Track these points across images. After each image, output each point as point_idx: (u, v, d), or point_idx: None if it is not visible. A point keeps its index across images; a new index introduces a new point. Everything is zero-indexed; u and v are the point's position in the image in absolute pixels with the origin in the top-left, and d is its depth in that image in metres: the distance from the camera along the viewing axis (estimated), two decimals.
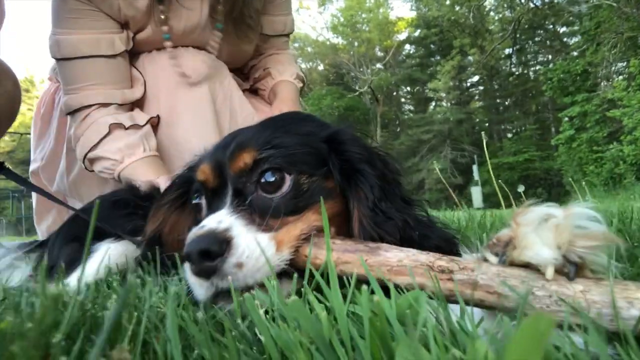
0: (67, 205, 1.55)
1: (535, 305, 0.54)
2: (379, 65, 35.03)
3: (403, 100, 36.70)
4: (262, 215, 0.77)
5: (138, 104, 1.87)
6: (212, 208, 0.83)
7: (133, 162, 1.69)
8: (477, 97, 33.32)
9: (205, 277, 0.70)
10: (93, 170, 1.77)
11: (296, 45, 36.16)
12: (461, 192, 20.43)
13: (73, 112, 1.79)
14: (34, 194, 2.12)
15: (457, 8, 28.14)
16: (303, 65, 37.14)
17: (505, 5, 27.97)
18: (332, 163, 0.84)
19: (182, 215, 1.02)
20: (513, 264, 0.58)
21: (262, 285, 0.70)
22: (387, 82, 33.47)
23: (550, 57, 27.96)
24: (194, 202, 0.92)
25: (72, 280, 1.07)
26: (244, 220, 0.75)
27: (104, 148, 1.72)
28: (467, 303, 0.57)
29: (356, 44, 34.40)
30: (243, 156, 0.82)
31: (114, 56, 1.79)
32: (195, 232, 0.72)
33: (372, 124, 32.04)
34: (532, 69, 30.36)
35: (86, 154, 1.74)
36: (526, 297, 0.53)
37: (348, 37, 34.67)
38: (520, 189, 4.18)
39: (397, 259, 0.66)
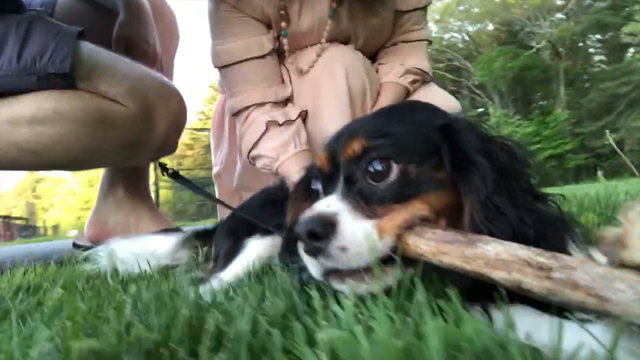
0: (224, 204, 1.80)
1: None
2: (559, 15, 31.18)
3: (592, 50, 32.06)
4: (368, 203, 0.79)
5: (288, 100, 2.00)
6: (326, 193, 0.88)
7: (287, 159, 1.82)
8: None
9: (313, 256, 0.76)
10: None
11: (461, 8, 34.21)
12: None
13: (237, 114, 1.96)
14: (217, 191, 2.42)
15: None
16: (470, 28, 34.99)
17: None
18: (443, 153, 0.82)
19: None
20: (625, 266, 0.52)
21: (368, 269, 0.74)
22: (570, 32, 29.59)
23: None
24: (313, 187, 0.99)
25: (228, 273, 1.22)
26: (350, 206, 0.79)
27: (263, 146, 1.87)
28: (564, 306, 0.55)
29: None
30: (353, 144, 0.84)
31: (263, 56, 1.91)
32: (306, 214, 0.78)
33: (554, 82, 28.81)
34: None
35: (249, 152, 1.91)
36: (631, 304, 0.48)
37: None
38: None
39: (495, 252, 0.63)
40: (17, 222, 34.20)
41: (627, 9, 27.59)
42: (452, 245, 0.68)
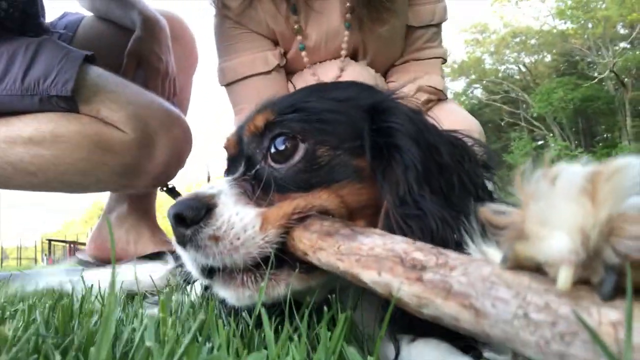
0: None
1: (526, 338, 0.31)
2: (622, 45, 29.92)
3: None
4: (266, 189, 0.66)
5: None
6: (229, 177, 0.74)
7: None
8: None
9: (182, 246, 0.63)
10: None
11: (517, 40, 33.58)
12: None
13: None
14: None
15: None
16: (526, 60, 34.22)
17: None
18: (365, 135, 0.67)
19: None
20: (522, 265, 0.35)
21: (256, 267, 0.60)
22: (636, 61, 28.25)
23: None
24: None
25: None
26: (238, 190, 0.65)
27: None
28: (434, 321, 0.41)
29: (590, 25, 30.07)
30: (256, 119, 0.71)
31: (269, 72, 1.88)
32: (183, 196, 0.66)
33: (619, 113, 27.36)
34: None
35: None
36: (511, 322, 0.32)
37: (579, 20, 30.54)
38: None
39: (369, 247, 0.49)
40: (82, 247, 35.97)
41: None
42: (332, 238, 0.54)
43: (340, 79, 1.84)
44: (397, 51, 2.04)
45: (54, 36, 1.99)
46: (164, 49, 2.14)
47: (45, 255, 27.41)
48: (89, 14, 2.28)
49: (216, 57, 1.97)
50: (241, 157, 0.73)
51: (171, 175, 1.93)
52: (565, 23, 31.76)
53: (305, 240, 0.57)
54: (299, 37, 1.88)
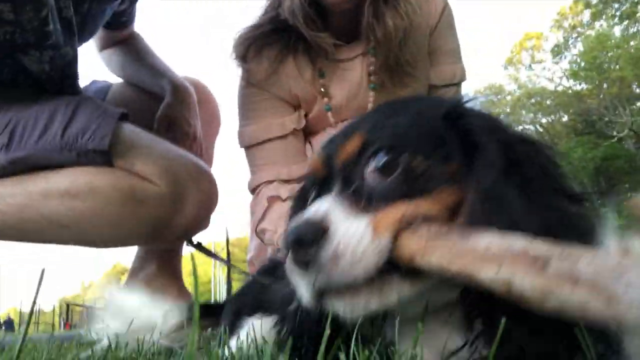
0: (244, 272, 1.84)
1: None
2: (639, 104, 30.02)
3: None
4: (368, 203, 0.67)
5: None
6: (319, 200, 0.74)
7: (284, 231, 1.73)
8: None
9: (304, 270, 0.64)
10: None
11: (532, 101, 34.00)
12: None
13: (252, 191, 1.99)
14: None
15: None
16: (543, 120, 34.43)
17: None
18: (450, 140, 0.70)
19: None
20: None
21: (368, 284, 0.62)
22: None
23: None
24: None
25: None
26: (344, 207, 0.67)
27: (266, 221, 1.84)
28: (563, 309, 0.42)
29: (605, 85, 30.41)
30: (350, 141, 0.74)
31: (284, 136, 1.92)
32: (292, 223, 0.67)
33: None
34: None
35: (256, 229, 1.89)
36: None
37: (594, 81, 30.93)
38: None
39: (486, 245, 0.51)
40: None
41: None
42: (443, 241, 0.56)
43: None
44: None
45: None
46: (193, 114, 2.22)
47: (63, 319, 27.17)
48: (117, 80, 2.38)
49: (237, 120, 2.04)
50: (332, 178, 0.75)
51: (199, 228, 1.94)
52: (580, 84, 32.18)
53: (414, 245, 0.58)
54: (325, 99, 1.92)
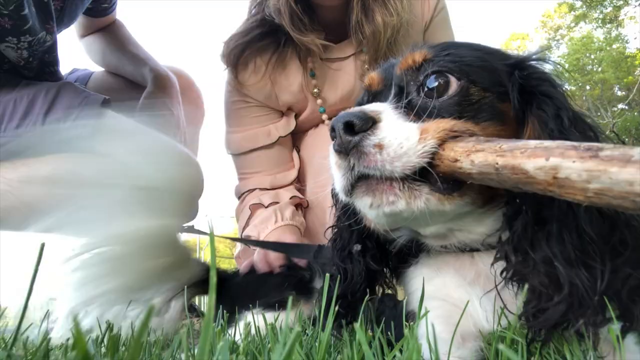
0: (246, 241, 1.84)
1: None
2: (621, 106, 30.57)
3: None
4: (418, 114, 0.72)
5: (302, 183, 2.02)
6: None
7: (267, 234, 1.79)
8: None
9: (344, 154, 0.69)
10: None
11: None
12: None
13: (238, 198, 2.04)
14: None
15: None
16: None
17: None
18: (512, 84, 0.78)
19: None
20: None
21: (403, 180, 0.66)
22: (634, 122, 28.78)
23: None
24: None
25: None
26: (397, 111, 0.72)
27: (249, 227, 1.88)
28: (596, 196, 0.47)
29: (588, 87, 30.89)
30: (414, 55, 0.79)
31: (271, 145, 1.96)
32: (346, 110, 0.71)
33: None
34: None
35: (242, 235, 1.94)
36: None
37: (577, 82, 31.40)
38: None
39: (537, 143, 0.56)
40: None
41: None
42: (492, 142, 0.61)
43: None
44: None
45: None
46: (175, 103, 2.19)
47: None
48: (98, 69, 2.33)
49: (220, 108, 2.08)
50: (388, 90, 0.78)
51: (189, 211, 1.93)
52: (565, 85, 32.67)
53: (459, 148, 0.63)
54: (319, 101, 1.93)
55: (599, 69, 30.48)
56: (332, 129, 0.70)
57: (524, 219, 0.66)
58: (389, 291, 0.90)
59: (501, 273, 0.68)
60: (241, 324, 1.17)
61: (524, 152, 0.55)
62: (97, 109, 1.64)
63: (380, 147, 0.66)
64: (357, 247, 0.86)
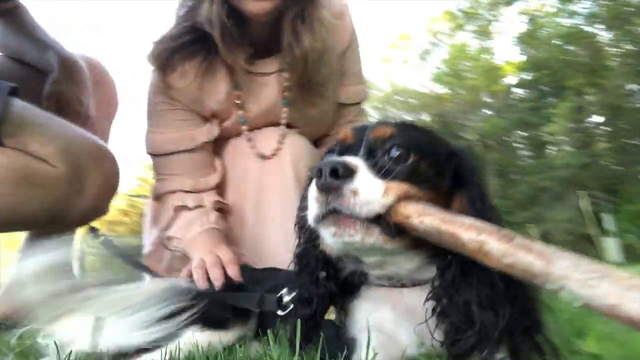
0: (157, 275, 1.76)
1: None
2: (486, 112, 33.96)
3: (517, 145, 34.83)
4: (383, 175, 0.90)
5: (221, 190, 2.02)
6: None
7: (191, 238, 1.81)
8: (601, 139, 30.46)
9: (325, 192, 0.85)
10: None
11: (399, 98, 36.54)
12: (592, 244, 18.39)
13: (157, 198, 2.00)
14: None
15: (569, 47, 26.72)
16: (407, 118, 37.24)
17: (626, 39, 25.88)
18: (449, 167, 0.99)
19: None
20: None
21: (363, 220, 0.86)
22: (497, 128, 32.17)
23: None
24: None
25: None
26: (368, 166, 0.90)
27: (172, 229, 1.88)
28: (506, 270, 0.71)
29: (461, 91, 33.87)
30: (384, 128, 1.00)
31: (193, 150, 1.94)
32: (330, 158, 0.92)
33: (487, 172, 30.71)
34: None
35: (163, 236, 1.93)
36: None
37: (453, 86, 34.26)
38: None
39: (471, 221, 0.78)
40: None
41: (545, 110, 30.55)
42: (437, 211, 0.83)
43: (280, 150, 1.93)
44: (326, 128, 2.20)
45: None
46: (84, 91, 2.07)
47: None
48: None
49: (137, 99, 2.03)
50: (359, 147, 0.98)
51: (102, 211, 1.88)
52: (441, 88, 35.40)
53: (412, 207, 0.84)
54: (241, 112, 1.95)
55: (471, 76, 33.52)
56: (320, 171, 0.85)
57: (453, 271, 0.84)
58: (332, 316, 1.04)
59: (433, 310, 0.86)
60: (181, 341, 1.20)
61: (462, 226, 0.77)
62: (4, 98, 1.52)
63: (355, 193, 0.84)
64: (323, 274, 1.02)
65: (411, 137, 0.99)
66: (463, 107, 33.26)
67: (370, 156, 0.96)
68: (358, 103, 2.23)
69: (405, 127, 1.03)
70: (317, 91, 1.98)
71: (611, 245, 12.68)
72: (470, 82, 33.15)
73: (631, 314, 0.54)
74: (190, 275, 1.58)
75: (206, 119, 1.97)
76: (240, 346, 1.16)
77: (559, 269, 0.62)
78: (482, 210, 0.92)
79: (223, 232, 1.87)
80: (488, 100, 34.12)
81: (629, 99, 27.87)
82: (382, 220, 0.87)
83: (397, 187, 0.88)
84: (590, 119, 30.11)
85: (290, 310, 1.18)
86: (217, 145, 2.05)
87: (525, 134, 33.53)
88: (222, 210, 1.98)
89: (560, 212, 24.40)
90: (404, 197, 0.87)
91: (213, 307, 1.34)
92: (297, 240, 1.12)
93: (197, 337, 1.24)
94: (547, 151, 31.86)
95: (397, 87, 36.74)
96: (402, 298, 0.96)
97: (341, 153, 1.02)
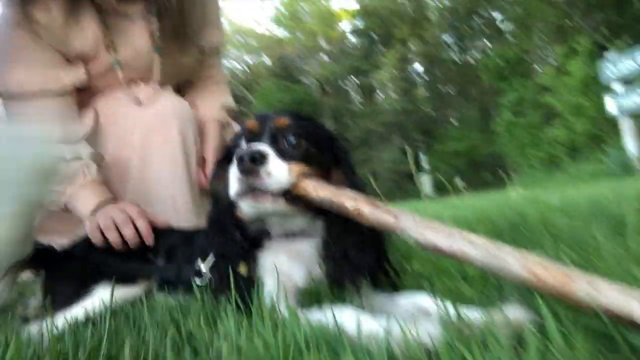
0: None
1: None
2: (324, 57, 35.24)
3: (350, 91, 37.18)
4: (286, 158, 1.16)
5: (99, 144, 1.93)
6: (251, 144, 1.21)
7: (75, 190, 1.75)
8: (421, 86, 34.21)
9: (245, 174, 1.10)
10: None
11: (240, 39, 35.80)
12: (413, 181, 21.03)
13: None
14: None
15: None
16: (248, 59, 36.82)
17: None
18: (329, 150, 1.29)
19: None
20: None
21: (273, 194, 1.14)
22: (333, 73, 33.77)
23: (488, 44, 29.12)
24: (236, 146, 1.31)
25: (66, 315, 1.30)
26: (274, 152, 1.15)
27: None
28: (370, 223, 1.08)
29: (300, 35, 34.43)
30: (285, 118, 1.25)
31: (58, 94, 1.83)
32: (247, 146, 1.18)
33: (325, 116, 32.33)
34: (471, 56, 31.52)
35: None
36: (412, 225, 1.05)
37: (292, 30, 34.66)
38: (458, 181, 4.43)
39: (352, 194, 1.12)
40: None
41: (375, 58, 32.95)
42: (328, 186, 1.17)
43: (156, 104, 1.94)
44: (191, 74, 2.24)
45: None
46: None
47: None
48: None
49: None
50: (263, 135, 1.23)
51: None
52: (281, 30, 35.51)
53: (311, 184, 1.15)
54: (113, 54, 1.89)
55: (309, 20, 34.19)
56: (241, 158, 1.10)
57: (337, 226, 1.19)
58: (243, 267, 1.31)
59: (320, 254, 1.21)
60: (95, 299, 1.33)
61: (346, 196, 1.11)
62: None
63: (269, 174, 1.10)
64: (238, 234, 1.27)
65: (303, 127, 1.25)
66: (302, 52, 34.01)
67: (274, 142, 1.20)
68: (217, 50, 2.28)
69: (297, 118, 1.28)
70: (189, 38, 2.00)
71: (426, 181, 14.78)
72: (308, 27, 33.83)
73: (441, 246, 0.94)
74: (99, 233, 1.59)
75: (71, 61, 1.85)
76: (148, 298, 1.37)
77: (404, 224, 1.00)
78: (354, 181, 1.24)
79: (104, 185, 1.82)
80: (325, 45, 35.37)
81: (445, 50, 31.53)
82: (287, 193, 1.14)
83: (298, 168, 1.16)
84: (412, 68, 33.42)
85: (209, 278, 1.36)
86: (93, 98, 1.97)
87: (357, 80, 35.91)
88: (98, 161, 1.88)
89: (386, 153, 27.16)
90: (303, 175, 1.16)
91: (119, 263, 1.49)
92: (211, 210, 1.37)
93: (108, 293, 1.33)
94: (377, 97, 34.73)
95: (237, 27, 35.80)
96: (295, 247, 1.27)
97: (248, 140, 1.25)
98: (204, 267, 1.36)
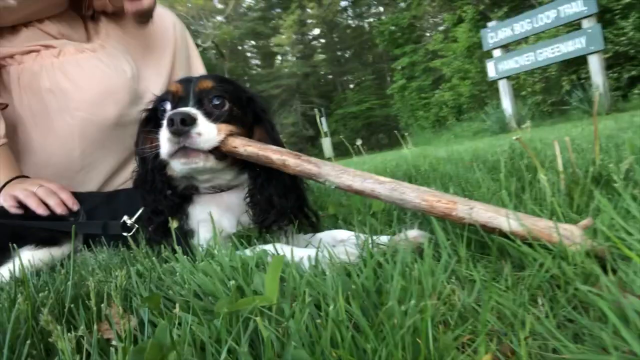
0: None
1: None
2: (219, 18, 34.05)
3: (249, 55, 36.48)
4: (213, 119, 1.25)
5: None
6: (178, 107, 1.28)
7: None
8: (319, 51, 34.53)
9: (176, 135, 1.17)
10: None
11: None
12: (313, 144, 21.52)
13: None
14: None
15: None
16: None
17: None
18: (249, 108, 1.38)
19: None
20: None
21: (204, 152, 1.22)
22: (230, 36, 32.83)
23: (382, 9, 30.02)
24: (161, 108, 1.36)
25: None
26: (201, 114, 1.23)
27: None
28: (299, 174, 1.24)
29: None
30: (207, 82, 1.32)
31: None
32: (177, 109, 1.23)
33: None
34: (366, 21, 32.33)
35: None
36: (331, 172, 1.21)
37: None
38: (358, 142, 4.70)
39: (276, 148, 1.26)
40: None
41: (273, 21, 32.54)
42: (254, 142, 1.27)
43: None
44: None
45: None
46: None
47: None
48: None
49: None
50: (188, 98, 1.30)
51: None
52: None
53: (238, 141, 1.25)
54: None
55: None
56: (172, 120, 1.15)
57: (261, 177, 1.33)
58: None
59: (248, 204, 1.35)
60: (17, 262, 1.31)
61: (271, 150, 1.23)
62: None
63: (199, 134, 1.18)
64: (169, 191, 1.34)
65: (225, 88, 1.32)
66: (196, 12, 32.51)
67: (199, 104, 1.27)
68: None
69: (219, 80, 1.35)
70: None
71: (326, 144, 15.21)
72: None
73: (355, 187, 1.14)
74: (15, 202, 1.59)
75: None
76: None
77: (324, 171, 1.17)
78: (275, 137, 1.36)
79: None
80: (220, 6, 34.14)
81: (341, 15, 31.94)
82: (216, 151, 1.23)
83: (225, 127, 1.24)
84: (311, 32, 33.51)
85: (136, 230, 1.46)
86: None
87: (255, 43, 35.26)
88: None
89: (286, 117, 27.33)
90: (230, 134, 1.25)
91: (41, 226, 1.50)
92: (139, 169, 1.41)
93: (33, 255, 1.42)
94: (276, 61, 34.45)
95: None
96: (223, 198, 1.39)
97: (174, 103, 1.31)
98: (129, 221, 1.46)
